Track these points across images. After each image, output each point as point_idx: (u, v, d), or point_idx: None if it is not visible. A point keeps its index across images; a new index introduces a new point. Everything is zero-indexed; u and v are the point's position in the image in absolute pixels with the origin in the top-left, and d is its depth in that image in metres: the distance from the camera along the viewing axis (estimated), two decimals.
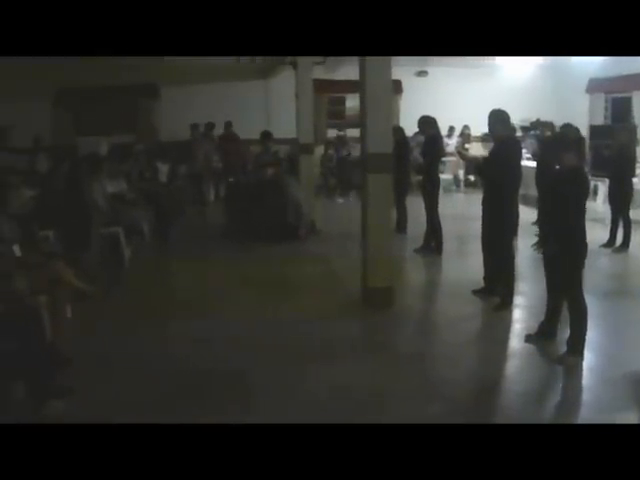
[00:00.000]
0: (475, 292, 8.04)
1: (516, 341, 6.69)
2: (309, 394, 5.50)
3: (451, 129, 18.44)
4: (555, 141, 6.56)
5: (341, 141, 18.51)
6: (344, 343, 6.71)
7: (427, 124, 10.61)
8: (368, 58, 7.36)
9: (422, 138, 11.31)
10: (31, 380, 5.06)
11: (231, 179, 14.78)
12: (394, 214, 10.86)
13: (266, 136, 14.31)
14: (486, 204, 7.72)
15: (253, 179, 13.16)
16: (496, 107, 7.80)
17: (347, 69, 14.65)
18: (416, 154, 13.05)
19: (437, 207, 10.52)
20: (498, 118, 7.59)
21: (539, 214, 7.40)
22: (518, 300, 7.86)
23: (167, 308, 8.00)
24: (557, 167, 6.31)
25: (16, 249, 6.49)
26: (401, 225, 11.99)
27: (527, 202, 12.16)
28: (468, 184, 18.35)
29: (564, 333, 6.24)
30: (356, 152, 13.93)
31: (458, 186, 18.47)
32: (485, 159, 8.14)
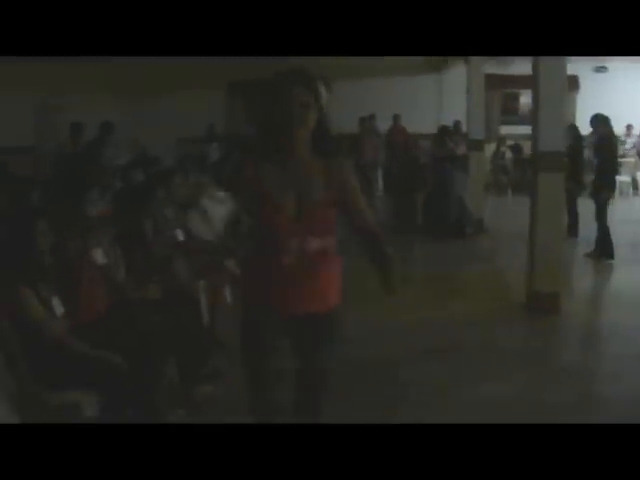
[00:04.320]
0: None
1: None
2: (460, 402, 5.29)
3: (629, 127, 17.53)
4: None
5: (516, 149, 17.97)
6: (502, 350, 6.48)
7: (600, 122, 10.12)
8: None
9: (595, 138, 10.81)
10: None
11: (397, 172, 14.69)
12: (565, 216, 10.45)
13: (443, 131, 14.13)
14: None
15: (421, 173, 13.04)
16: None
17: (521, 64, 14.20)
18: (589, 154, 12.55)
19: (606, 210, 10.00)
20: None
21: None
22: None
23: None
24: None
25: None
26: (572, 228, 11.53)
27: None
28: None
29: None
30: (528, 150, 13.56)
31: (636, 189, 17.56)
32: None
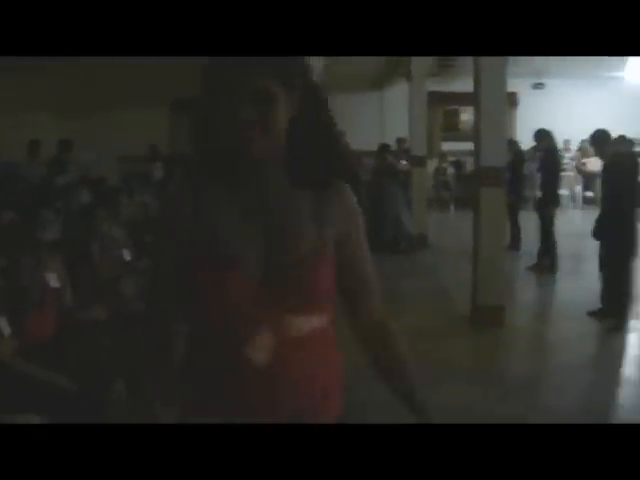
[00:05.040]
0: (590, 313, 7.71)
1: (631, 367, 6.38)
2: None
3: (566, 142, 17.86)
4: None
5: (458, 165, 18.19)
6: (446, 363, 6.51)
7: (543, 137, 10.33)
8: (483, 68, 7.23)
9: (539, 153, 11.02)
10: (133, 385, 5.11)
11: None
12: (508, 230, 10.61)
13: (383, 148, 14.22)
14: (603, 222, 7.45)
15: (362, 190, 13.15)
16: (602, 126, 7.87)
17: (462, 81, 14.42)
18: (532, 169, 12.78)
19: (553, 224, 10.20)
20: (600, 139, 7.50)
21: None
22: (636, 324, 7.52)
23: None
24: None
25: (125, 254, 6.59)
26: (515, 242, 11.70)
27: None
28: (586, 201, 17.74)
29: None
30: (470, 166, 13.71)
31: (575, 202, 17.90)
32: (601, 176, 7.94)
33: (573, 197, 17.96)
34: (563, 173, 16.57)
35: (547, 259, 10.21)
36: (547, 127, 10.51)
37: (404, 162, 14.88)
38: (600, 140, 7.64)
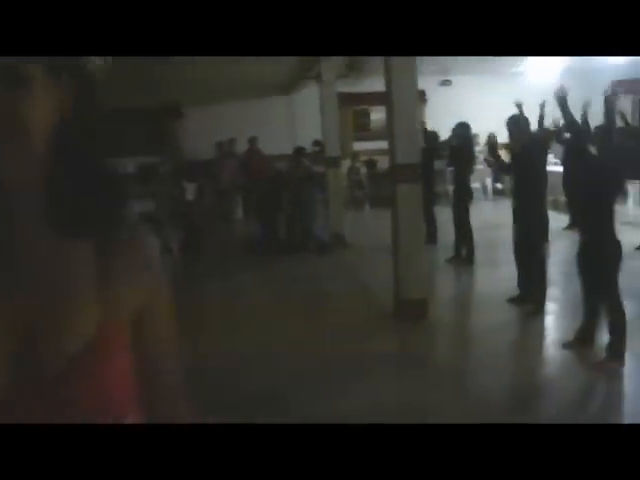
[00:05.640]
0: (510, 300, 7.94)
1: (552, 349, 6.60)
2: (339, 410, 5.31)
3: (474, 137, 18.24)
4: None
5: (370, 164, 18.37)
6: (375, 357, 6.63)
7: (460, 129, 10.51)
8: (394, 67, 7.36)
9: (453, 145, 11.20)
10: None
11: (256, 194, 14.84)
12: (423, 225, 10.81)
13: (298, 151, 14.25)
14: (515, 210, 7.71)
15: (276, 193, 13.30)
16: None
17: (371, 82, 14.59)
18: (442, 163, 13.03)
19: (468, 216, 10.44)
20: (515, 124, 7.66)
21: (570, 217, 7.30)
22: (552, 307, 7.77)
23: (193, 326, 7.99)
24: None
25: None
26: (431, 235, 11.91)
27: (558, 208, 12.10)
28: (496, 192, 18.20)
29: (602, 339, 6.14)
30: (383, 164, 13.86)
31: (486, 194, 18.33)
32: (511, 164, 8.15)
33: (484, 189, 18.37)
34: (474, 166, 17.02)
35: (464, 250, 10.44)
36: (455, 123, 10.68)
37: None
38: (518, 123, 7.74)
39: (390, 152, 7.69)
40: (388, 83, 7.52)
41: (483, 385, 5.81)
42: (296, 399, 5.62)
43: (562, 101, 6.50)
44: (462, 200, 10.46)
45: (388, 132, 7.75)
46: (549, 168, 14.12)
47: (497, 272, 9.49)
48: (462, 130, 10.53)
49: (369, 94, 16.95)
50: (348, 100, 17.88)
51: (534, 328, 7.24)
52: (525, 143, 7.63)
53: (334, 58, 11.93)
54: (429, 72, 16.85)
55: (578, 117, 6.95)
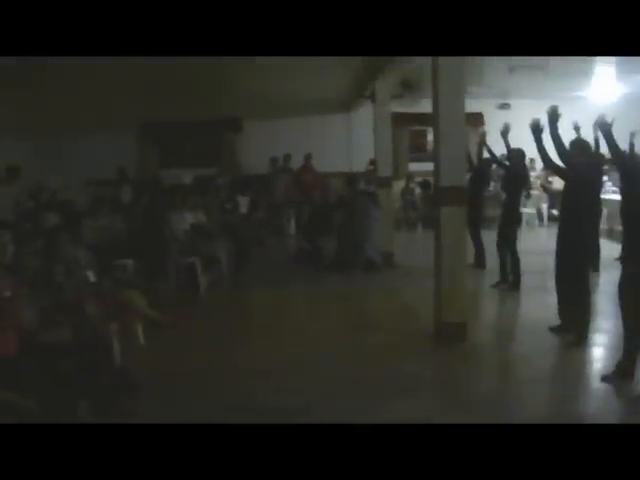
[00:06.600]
0: (552, 329, 7.82)
1: (592, 381, 6.47)
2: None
3: (532, 161, 18.09)
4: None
5: (425, 185, 18.33)
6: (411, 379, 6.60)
7: (516, 156, 10.41)
8: (441, 89, 7.36)
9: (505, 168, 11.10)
10: (96, 406, 5.14)
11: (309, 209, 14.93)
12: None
13: (350, 182, 14.19)
14: (560, 236, 7.61)
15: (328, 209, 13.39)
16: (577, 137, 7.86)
17: (427, 103, 14.58)
18: (497, 186, 12.91)
19: (516, 241, 10.32)
20: (576, 148, 7.50)
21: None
22: (599, 338, 7.63)
23: (236, 338, 8.08)
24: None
25: (90, 276, 6.65)
26: (479, 259, 11.81)
27: (613, 237, 11.93)
28: (552, 218, 17.96)
29: None
30: None
31: (541, 220, 18.12)
32: (562, 190, 7.99)
33: (540, 215, 18.17)
34: (530, 191, 16.87)
35: (511, 276, 10.31)
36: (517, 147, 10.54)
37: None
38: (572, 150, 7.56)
39: (435, 174, 7.67)
40: (435, 105, 7.51)
41: (511, 414, 5.73)
42: (329, 413, 5.65)
43: (605, 130, 6.37)
44: (510, 225, 10.34)
45: (434, 154, 7.73)
46: (608, 196, 14.00)
47: (544, 299, 9.35)
48: (516, 155, 10.41)
49: (426, 115, 16.88)
50: (404, 120, 17.88)
51: (574, 359, 7.10)
52: (583, 168, 7.46)
53: (388, 77, 11.95)
54: (487, 95, 16.81)
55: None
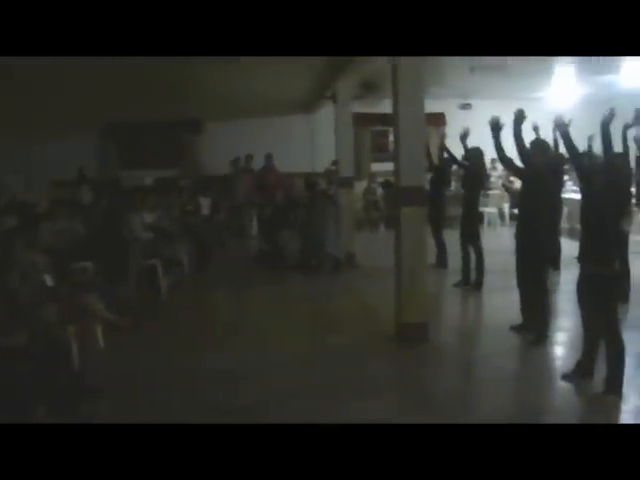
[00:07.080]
0: (513, 328, 7.85)
1: (551, 379, 6.50)
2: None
3: (493, 161, 18.19)
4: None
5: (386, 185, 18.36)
6: (372, 380, 6.60)
7: (474, 156, 10.43)
8: (401, 90, 7.37)
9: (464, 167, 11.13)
10: (54, 410, 5.09)
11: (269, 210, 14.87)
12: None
13: (310, 182, 14.17)
14: (519, 235, 7.68)
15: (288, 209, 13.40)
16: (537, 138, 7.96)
17: (389, 103, 14.61)
18: (458, 186, 12.97)
19: (479, 241, 10.35)
20: (536, 148, 7.54)
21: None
22: (559, 337, 7.68)
23: (197, 341, 8.03)
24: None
25: (47, 279, 6.55)
26: (441, 259, 11.84)
27: (574, 236, 12.00)
28: (513, 218, 18.06)
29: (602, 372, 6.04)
30: None
31: (503, 220, 18.22)
32: (520, 189, 8.02)
33: (501, 214, 18.27)
34: (491, 191, 16.97)
35: (475, 274, 10.33)
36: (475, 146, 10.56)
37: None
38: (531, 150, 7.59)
39: (395, 174, 7.67)
40: (395, 105, 7.51)
41: (472, 413, 5.74)
42: (292, 413, 5.63)
43: (562, 130, 6.41)
44: (471, 223, 10.36)
45: (394, 154, 7.72)
46: (568, 195, 14.09)
47: (506, 298, 9.39)
48: (474, 154, 10.44)
49: (387, 115, 16.90)
50: (366, 120, 17.90)
51: (535, 358, 7.13)
52: (541, 168, 7.49)
53: (349, 78, 11.94)
54: (449, 95, 16.88)
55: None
